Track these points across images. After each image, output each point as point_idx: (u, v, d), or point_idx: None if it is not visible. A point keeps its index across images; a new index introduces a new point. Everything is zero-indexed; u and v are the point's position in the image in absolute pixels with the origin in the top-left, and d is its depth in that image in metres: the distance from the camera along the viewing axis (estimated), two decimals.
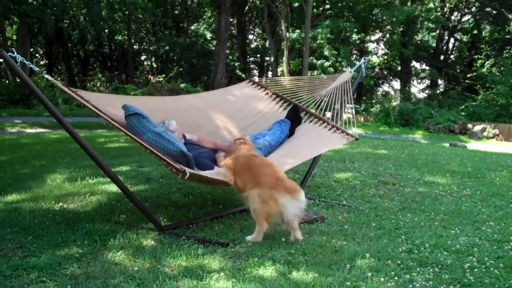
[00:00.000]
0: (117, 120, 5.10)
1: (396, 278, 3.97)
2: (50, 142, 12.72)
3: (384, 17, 36.67)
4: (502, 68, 33.41)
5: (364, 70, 7.33)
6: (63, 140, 12.46)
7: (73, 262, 4.13)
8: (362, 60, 7.36)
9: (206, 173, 5.22)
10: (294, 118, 6.90)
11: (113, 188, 6.71)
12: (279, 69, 36.08)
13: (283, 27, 32.84)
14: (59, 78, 37.87)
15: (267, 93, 7.36)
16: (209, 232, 5.12)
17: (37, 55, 41.33)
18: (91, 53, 41.02)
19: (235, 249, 4.58)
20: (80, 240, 4.67)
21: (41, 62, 41.24)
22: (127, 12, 33.31)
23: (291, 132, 6.76)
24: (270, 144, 6.31)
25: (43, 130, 16.84)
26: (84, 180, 7.42)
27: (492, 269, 4.21)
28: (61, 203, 6.13)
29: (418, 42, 40.73)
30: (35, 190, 6.81)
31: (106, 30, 39.53)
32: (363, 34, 35.80)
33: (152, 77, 38.40)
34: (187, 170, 4.67)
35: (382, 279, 3.93)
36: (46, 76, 4.92)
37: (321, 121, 6.93)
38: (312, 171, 7.32)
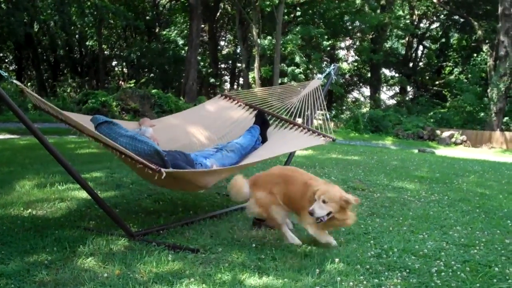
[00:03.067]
0: (88, 128, 5.05)
1: (365, 282, 4.02)
2: (19, 148, 12.57)
3: (354, 24, 37.07)
4: (469, 75, 34.01)
5: (334, 77, 7.38)
6: (32, 146, 12.32)
7: (42, 269, 4.09)
8: (332, 66, 7.43)
9: (186, 170, 5.22)
10: (261, 122, 6.95)
11: (83, 194, 6.66)
12: (250, 76, 36.17)
13: (254, 34, 32.94)
14: (29, 84, 37.43)
15: (240, 105, 7.42)
16: (179, 238, 5.11)
17: (6, 60, 40.80)
18: (61, 59, 40.62)
19: (206, 255, 4.58)
20: (49, 247, 4.62)
21: (11, 68, 40.72)
22: (98, 17, 33.10)
23: (263, 137, 6.80)
24: (242, 146, 6.33)
25: (11, 136, 16.60)
26: (54, 186, 7.34)
27: (458, 272, 4.28)
28: (30, 210, 6.06)
29: (388, 49, 41.19)
30: (3, 196, 6.71)
31: (77, 36, 39.21)
32: (333, 41, 36.11)
33: (123, 83, 38.15)
34: (163, 170, 4.65)
35: (351, 283, 3.97)
36: (15, 82, 4.85)
37: (296, 126, 6.98)
38: None
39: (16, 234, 4.99)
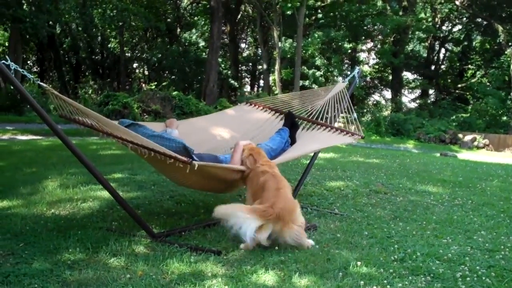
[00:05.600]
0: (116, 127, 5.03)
1: (388, 286, 3.98)
2: (42, 149, 12.68)
3: (376, 27, 36.89)
4: (492, 78, 33.69)
5: (357, 80, 7.34)
6: (54, 147, 12.42)
7: (65, 269, 4.12)
8: (356, 70, 7.37)
9: (217, 164, 5.22)
10: (291, 124, 6.93)
11: (105, 195, 6.70)
12: (271, 78, 36.15)
13: (275, 36, 32.93)
14: (50, 85, 37.69)
15: (265, 111, 7.43)
16: (201, 239, 5.12)
17: (28, 62, 41.23)
18: (83, 61, 40.94)
19: (228, 257, 4.58)
20: (72, 247, 4.64)
21: (33, 69, 41.13)
22: (119, 18, 33.31)
23: (293, 139, 6.78)
24: (272, 148, 6.32)
25: (34, 137, 16.76)
26: (76, 187, 7.39)
27: (483, 278, 4.23)
28: (53, 210, 6.11)
29: (409, 52, 40.91)
30: (26, 196, 6.78)
31: (99, 38, 39.51)
32: (355, 43, 35.98)
33: (144, 85, 38.36)
34: (195, 162, 4.62)
35: (374, 287, 3.94)
36: (41, 84, 4.87)
37: (324, 127, 6.96)
38: (304, 180, 7.33)
39: (40, 234, 5.03)
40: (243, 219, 4.58)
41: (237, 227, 4.62)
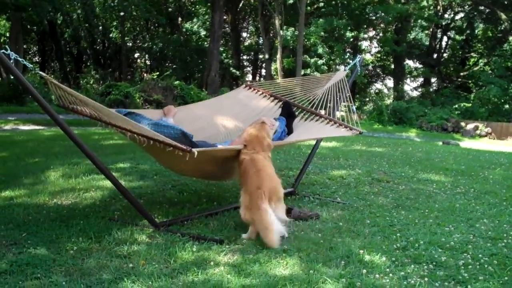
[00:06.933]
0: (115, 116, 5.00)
1: (391, 274, 3.98)
2: (44, 139, 12.67)
3: (377, 15, 36.73)
4: (494, 66, 33.55)
5: (359, 69, 7.31)
6: (57, 137, 12.42)
7: (68, 259, 4.13)
8: (358, 58, 7.34)
9: (216, 148, 5.21)
10: (288, 114, 6.91)
11: (108, 185, 6.70)
12: (272, 67, 36.06)
13: (277, 25, 32.82)
14: (52, 76, 37.72)
15: (264, 96, 7.38)
16: (204, 229, 5.13)
17: (30, 52, 41.17)
18: (84, 51, 40.84)
19: (230, 246, 4.58)
20: (74, 237, 4.65)
21: (34, 59, 41.09)
22: (119, 11, 33.23)
23: (289, 129, 6.76)
24: None
25: (36, 127, 16.76)
26: (78, 177, 7.40)
27: (486, 266, 4.23)
28: (55, 200, 6.12)
29: (411, 40, 40.74)
30: (29, 187, 6.79)
31: (100, 27, 39.42)
32: (357, 32, 35.84)
33: (145, 75, 38.28)
34: (194, 149, 4.55)
35: (377, 275, 3.94)
36: (40, 73, 4.86)
37: (322, 118, 6.92)
38: (307, 169, 7.33)
39: (42, 224, 5.04)
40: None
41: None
